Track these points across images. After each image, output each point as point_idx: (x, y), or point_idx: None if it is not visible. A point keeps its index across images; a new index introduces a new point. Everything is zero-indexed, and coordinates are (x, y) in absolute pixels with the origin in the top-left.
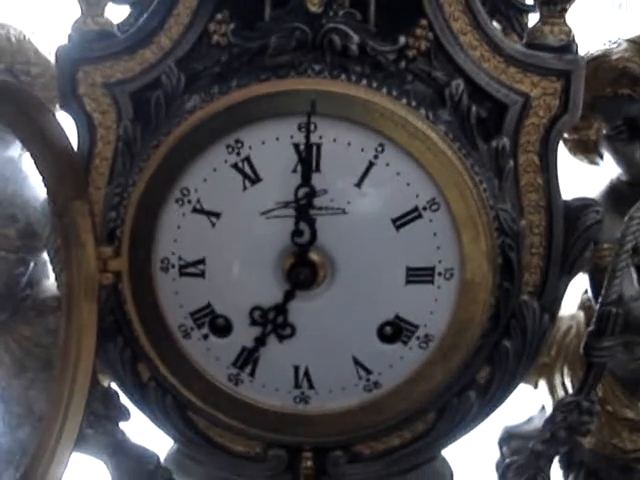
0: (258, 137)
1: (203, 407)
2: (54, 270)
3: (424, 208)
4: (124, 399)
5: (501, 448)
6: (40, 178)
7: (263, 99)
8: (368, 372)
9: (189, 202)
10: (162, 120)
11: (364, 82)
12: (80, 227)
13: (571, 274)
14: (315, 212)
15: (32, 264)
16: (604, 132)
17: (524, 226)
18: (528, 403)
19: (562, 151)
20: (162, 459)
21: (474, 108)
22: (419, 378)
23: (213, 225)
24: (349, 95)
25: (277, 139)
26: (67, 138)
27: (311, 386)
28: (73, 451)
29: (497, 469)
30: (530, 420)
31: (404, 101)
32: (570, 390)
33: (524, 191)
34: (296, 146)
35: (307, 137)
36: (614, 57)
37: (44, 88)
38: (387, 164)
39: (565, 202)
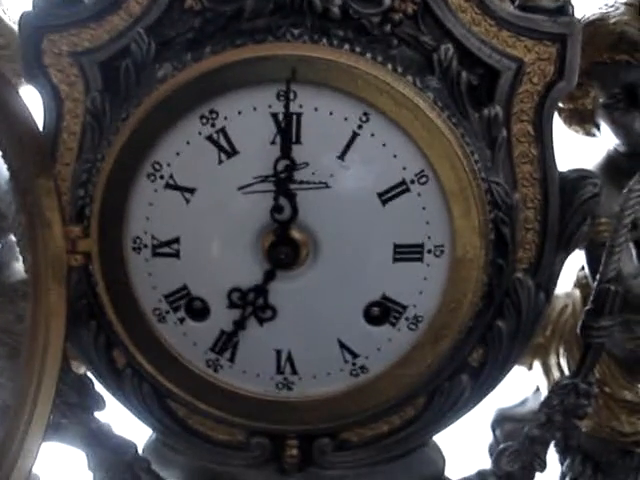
0: (234, 107)
1: (181, 394)
2: (22, 252)
3: (412, 181)
4: (99, 387)
5: (494, 431)
6: (1, 155)
7: (239, 66)
8: (354, 356)
9: (161, 177)
10: (132, 91)
11: (347, 47)
12: (45, 206)
13: (567, 250)
14: (296, 186)
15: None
16: (601, 101)
17: (518, 199)
18: (522, 384)
19: (557, 122)
20: (140, 449)
21: (464, 74)
22: (408, 361)
23: (187, 202)
24: (331, 61)
25: (254, 109)
26: (29, 111)
27: (294, 371)
28: (43, 442)
29: (490, 452)
30: (524, 402)
31: (390, 67)
32: (566, 371)
33: (518, 162)
34: (275, 116)
35: (286, 106)
36: (611, 21)
37: (10, 60)
38: (372, 134)
39: (561, 174)
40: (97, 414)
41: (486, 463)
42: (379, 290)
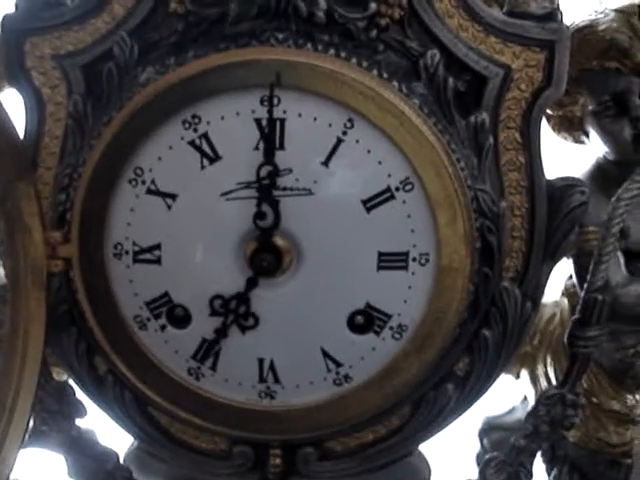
0: (217, 112)
1: (163, 403)
2: (1, 257)
3: (397, 188)
4: (81, 395)
5: (481, 440)
6: None
7: (222, 71)
8: (338, 365)
9: (143, 183)
10: (114, 94)
11: (332, 52)
12: (25, 211)
13: (554, 259)
14: (279, 193)
15: None
16: (590, 108)
17: (505, 208)
18: (510, 393)
19: (545, 129)
20: (122, 457)
21: (451, 81)
22: (393, 371)
23: (169, 207)
24: (315, 66)
25: (237, 114)
26: (8, 115)
27: (277, 380)
28: (21, 449)
29: (477, 461)
30: (512, 411)
31: (375, 72)
32: (553, 380)
33: (505, 170)
34: (258, 121)
35: (270, 111)
36: (601, 28)
37: None
38: (357, 141)
39: (548, 182)
40: (78, 422)
41: (473, 472)
42: (363, 298)
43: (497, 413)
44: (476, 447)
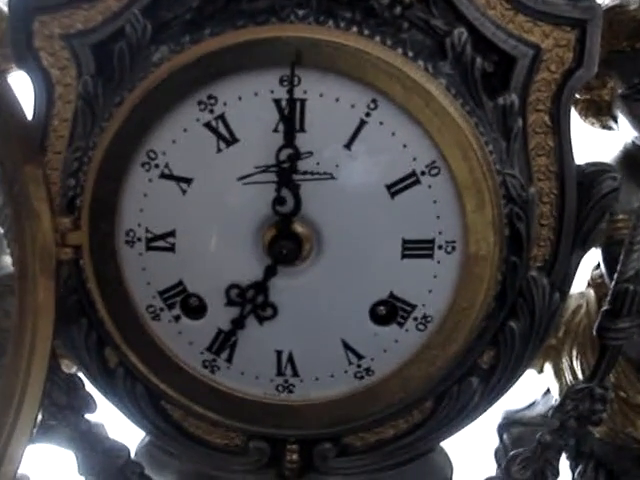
0: (234, 92)
1: (176, 396)
2: (9, 245)
3: (422, 173)
4: (90, 388)
5: (501, 435)
6: None
7: (240, 49)
8: (359, 357)
9: (156, 166)
10: (126, 75)
11: (354, 29)
12: (33, 195)
13: (584, 248)
14: (299, 177)
15: None
16: (619, 91)
17: (534, 193)
18: (530, 387)
19: (572, 114)
20: (133, 453)
21: (479, 60)
22: (416, 364)
23: (184, 192)
24: (338, 44)
25: (255, 94)
26: (16, 96)
27: (295, 373)
28: (30, 445)
29: (496, 457)
30: (533, 405)
31: (400, 51)
32: (579, 374)
33: (533, 155)
34: (277, 102)
35: (290, 92)
36: (632, 7)
37: None
38: (381, 122)
39: (578, 168)
40: (88, 416)
41: (491, 467)
42: (386, 288)
43: (517, 407)
44: (495, 442)
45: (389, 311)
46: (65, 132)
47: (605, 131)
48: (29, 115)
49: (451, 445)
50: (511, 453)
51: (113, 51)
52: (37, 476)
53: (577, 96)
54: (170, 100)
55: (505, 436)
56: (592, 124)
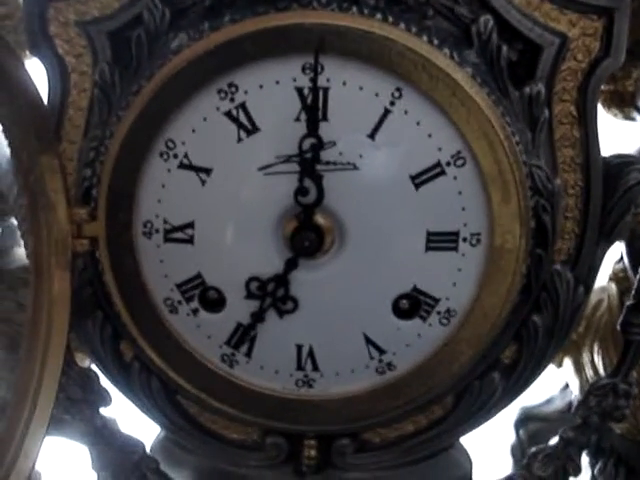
0: (255, 80)
1: (193, 391)
2: (23, 237)
3: (448, 163)
4: (105, 382)
5: (517, 431)
6: (3, 130)
7: (260, 36)
8: (381, 352)
9: (175, 156)
10: (144, 62)
11: (378, 16)
12: (49, 186)
13: (609, 241)
14: (322, 167)
15: None
16: None
17: (560, 185)
18: (547, 382)
19: None
20: (148, 448)
21: (504, 49)
22: (438, 358)
23: (203, 183)
24: (361, 31)
25: (277, 82)
26: (34, 85)
27: (316, 368)
28: (45, 439)
29: (512, 452)
30: (550, 401)
31: (425, 39)
32: (600, 369)
33: (559, 146)
34: (300, 91)
35: (314, 80)
36: None
37: (12, 31)
38: (405, 111)
39: (603, 159)
40: (103, 410)
41: (508, 463)
42: (410, 281)
43: (534, 403)
44: (511, 438)
45: (412, 305)
46: (81, 121)
47: (627, 122)
48: (45, 104)
49: (469, 441)
50: (533, 449)
51: (130, 38)
52: (49, 471)
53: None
54: (189, 88)
55: (522, 432)
56: (615, 115)
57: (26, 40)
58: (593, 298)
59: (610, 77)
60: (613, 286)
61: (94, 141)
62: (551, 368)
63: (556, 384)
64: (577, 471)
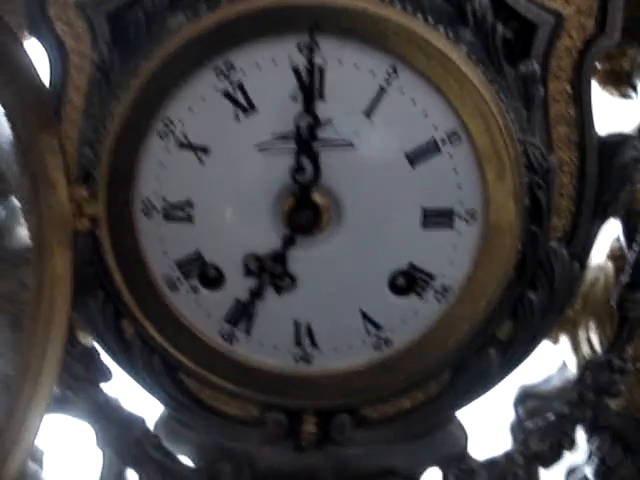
0: (252, 59)
1: (194, 368)
2: (25, 216)
3: (443, 141)
4: (107, 360)
5: (516, 409)
6: (3, 110)
7: (257, 16)
8: (378, 328)
9: (174, 135)
10: (142, 43)
11: None
12: (49, 165)
13: (604, 218)
14: (318, 145)
15: (1, 210)
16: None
17: (554, 163)
18: (545, 360)
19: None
20: (151, 424)
21: (500, 27)
22: (435, 334)
23: (201, 162)
24: (357, 9)
25: (273, 61)
26: (33, 64)
27: (314, 344)
28: (46, 415)
29: (512, 431)
30: (549, 379)
31: (420, 17)
32: (597, 346)
33: (554, 123)
34: (296, 69)
35: (309, 58)
36: None
37: (12, 12)
38: (401, 90)
39: (599, 137)
40: (105, 388)
41: (507, 441)
42: (406, 258)
43: (533, 382)
44: (510, 416)
45: (408, 282)
46: (80, 101)
47: (623, 100)
48: (44, 84)
49: (467, 417)
50: (529, 425)
51: (129, 19)
52: (52, 449)
53: (596, 65)
54: (187, 68)
55: (520, 410)
56: (611, 93)
57: (25, 22)
58: (590, 276)
59: (606, 55)
60: (610, 264)
61: (93, 120)
62: (549, 347)
63: (554, 363)
64: (572, 445)
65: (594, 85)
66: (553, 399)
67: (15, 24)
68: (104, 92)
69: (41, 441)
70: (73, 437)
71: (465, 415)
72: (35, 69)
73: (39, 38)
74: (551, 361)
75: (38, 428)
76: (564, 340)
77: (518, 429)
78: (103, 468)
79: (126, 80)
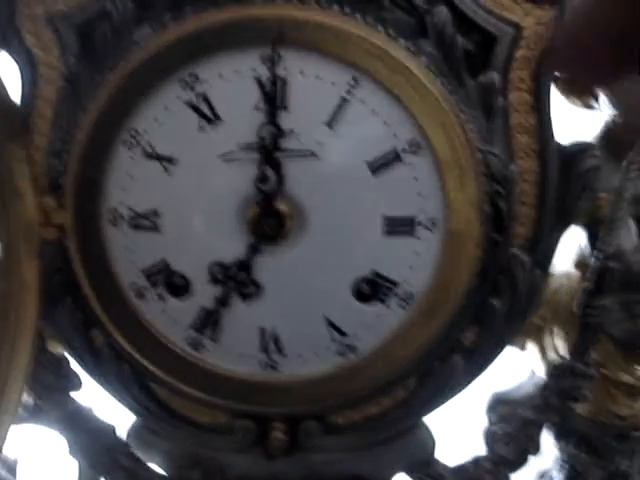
0: (215, 70)
1: (162, 375)
2: None
3: (404, 150)
4: (77, 368)
5: (489, 415)
6: None
7: (221, 28)
8: (342, 334)
9: (139, 145)
10: (109, 55)
11: (335, 7)
12: (16, 174)
13: (565, 225)
14: (282, 155)
15: None
16: None
17: (514, 171)
18: (518, 367)
19: (553, 93)
20: (123, 433)
21: (459, 39)
22: (399, 341)
23: (167, 171)
24: (318, 22)
25: (237, 72)
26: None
27: (279, 350)
28: (13, 425)
29: (485, 438)
30: (520, 386)
31: (381, 29)
32: (562, 352)
33: (514, 133)
34: (259, 80)
35: (272, 70)
36: None
37: None
38: (362, 100)
39: (559, 146)
40: (76, 397)
41: (477, 447)
42: (369, 265)
43: (505, 389)
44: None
45: (372, 288)
46: (49, 112)
47: (586, 110)
48: (12, 95)
49: (439, 426)
50: (494, 429)
51: (96, 31)
52: (27, 458)
53: (558, 75)
54: (152, 79)
55: (492, 416)
56: (573, 103)
57: None
58: (555, 282)
59: None
60: (575, 271)
61: (61, 131)
62: (520, 355)
63: (526, 370)
64: (537, 450)
65: (557, 95)
66: (522, 405)
67: None
68: (72, 103)
69: (15, 450)
70: (48, 446)
71: (433, 421)
72: (1, 80)
73: (8, 49)
74: (523, 368)
75: (5, 437)
76: (532, 347)
77: (489, 435)
78: (79, 477)
79: (93, 91)
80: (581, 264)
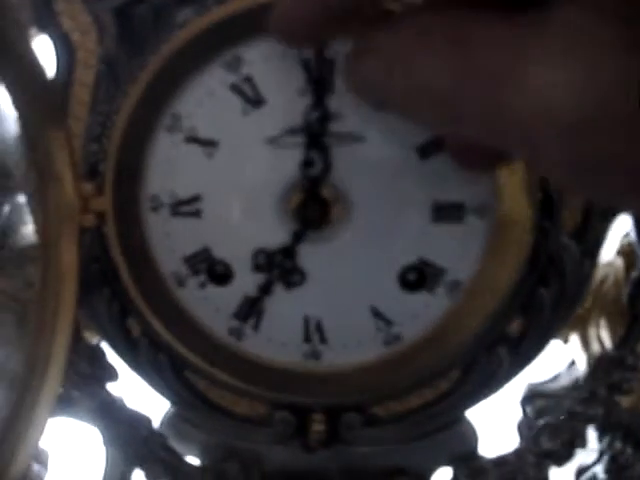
0: (261, 53)
1: (201, 365)
2: (32, 214)
3: None
4: (114, 358)
5: (524, 408)
6: (10, 105)
7: (265, 9)
8: (388, 324)
9: (181, 130)
10: (149, 38)
11: None
12: (56, 159)
13: (615, 213)
14: (328, 139)
15: (6, 208)
16: None
17: None
18: (553, 359)
19: None
20: (157, 423)
21: None
22: (445, 330)
23: (209, 156)
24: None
25: (283, 55)
26: (37, 59)
27: (323, 340)
28: (52, 416)
29: (519, 430)
30: (557, 377)
31: None
32: (607, 344)
33: None
34: (306, 62)
35: (319, 51)
36: None
37: (21, 8)
38: None
39: None
40: (110, 387)
41: (514, 440)
42: (416, 253)
43: (541, 380)
44: (518, 415)
45: (419, 277)
46: (86, 97)
47: None
48: (51, 79)
49: (476, 417)
50: (541, 423)
51: (135, 14)
52: (57, 452)
53: None
54: (195, 62)
55: (528, 409)
56: None
57: (32, 16)
58: (600, 273)
59: None
60: (620, 260)
61: (101, 116)
62: (557, 345)
63: (562, 361)
64: (583, 443)
65: None
66: (561, 398)
67: (24, 20)
68: (111, 87)
69: (46, 443)
70: (78, 441)
71: (475, 415)
72: (42, 64)
73: (47, 33)
74: (559, 360)
75: (44, 427)
76: (574, 338)
77: (526, 427)
78: (106, 470)
79: (133, 75)
80: (627, 253)
